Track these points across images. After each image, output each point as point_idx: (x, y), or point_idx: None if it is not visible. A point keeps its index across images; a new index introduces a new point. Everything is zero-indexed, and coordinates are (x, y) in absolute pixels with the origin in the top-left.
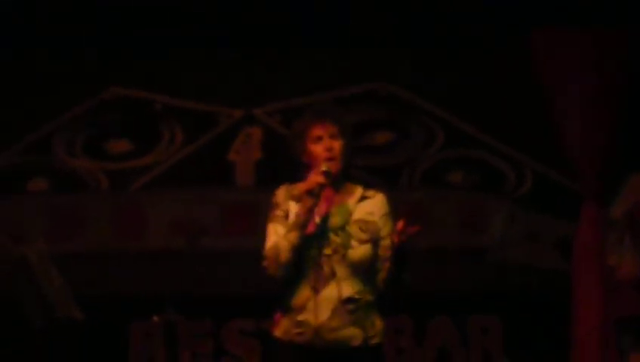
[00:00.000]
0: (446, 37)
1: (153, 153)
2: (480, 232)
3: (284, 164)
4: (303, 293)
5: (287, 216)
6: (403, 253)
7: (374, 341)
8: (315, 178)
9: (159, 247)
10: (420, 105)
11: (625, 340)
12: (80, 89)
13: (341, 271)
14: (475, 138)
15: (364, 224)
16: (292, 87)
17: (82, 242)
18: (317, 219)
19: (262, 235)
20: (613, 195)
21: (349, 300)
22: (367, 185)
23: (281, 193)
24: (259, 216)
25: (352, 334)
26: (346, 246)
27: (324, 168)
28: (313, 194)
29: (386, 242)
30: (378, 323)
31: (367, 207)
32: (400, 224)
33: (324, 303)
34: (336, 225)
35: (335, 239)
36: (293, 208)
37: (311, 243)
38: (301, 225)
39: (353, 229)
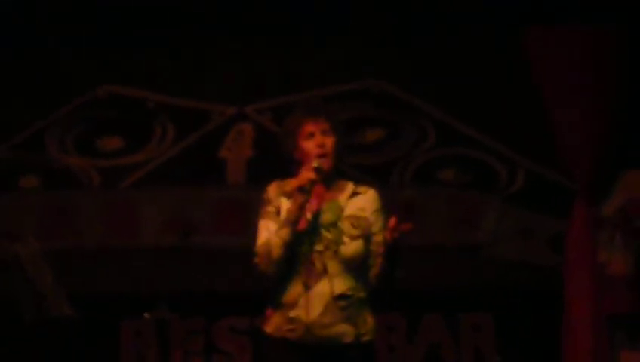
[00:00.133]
0: (438, 34)
1: (145, 150)
2: (472, 230)
3: (275, 162)
4: (295, 290)
5: (278, 213)
6: (395, 250)
7: (366, 338)
8: (306, 174)
9: (151, 245)
10: (412, 102)
11: (616, 337)
12: (72, 87)
13: (333, 267)
14: (466, 136)
15: (355, 220)
16: (284, 84)
17: (74, 239)
18: (308, 216)
19: (253, 233)
20: (604, 193)
21: (341, 296)
22: (358, 182)
23: (272, 189)
24: (250, 213)
25: (344, 331)
26: (338, 242)
27: (315, 164)
28: (304, 190)
29: (377, 238)
30: (370, 320)
31: (359, 202)
32: (392, 221)
33: (316, 299)
34: (327, 222)
35: (327, 235)
36: (285, 204)
37: (302, 240)
38: (293, 221)
39: (345, 225)
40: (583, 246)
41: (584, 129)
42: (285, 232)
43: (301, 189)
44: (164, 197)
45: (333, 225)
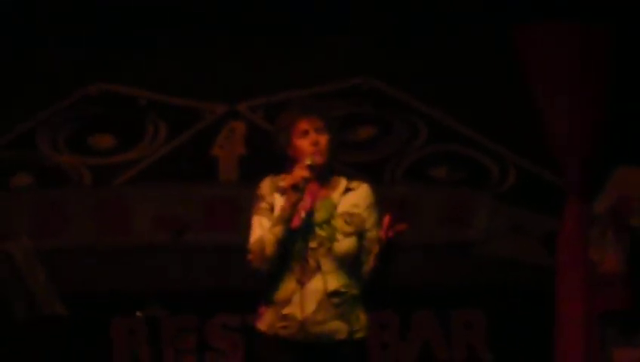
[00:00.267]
0: (429, 31)
1: (137, 148)
2: (464, 227)
3: (267, 160)
4: (288, 286)
5: (272, 209)
6: (389, 250)
7: (359, 335)
8: (300, 172)
9: (143, 242)
10: (403, 99)
11: (608, 334)
12: (64, 84)
13: (327, 264)
14: (458, 133)
15: (348, 216)
16: (276, 82)
17: (66, 237)
18: (302, 214)
19: (245, 230)
20: (596, 191)
21: (334, 293)
22: (351, 177)
23: (265, 185)
24: (242, 211)
25: (337, 328)
26: (332, 239)
27: (308, 162)
28: (298, 188)
29: (371, 234)
30: (362, 318)
31: (352, 198)
32: (386, 220)
33: (310, 296)
34: (321, 220)
35: (320, 233)
36: (279, 200)
37: (296, 237)
38: (286, 219)
39: (338, 223)
40: (575, 244)
41: (575, 126)
42: (279, 230)
43: (295, 187)
44: (156, 195)
45: (327, 222)
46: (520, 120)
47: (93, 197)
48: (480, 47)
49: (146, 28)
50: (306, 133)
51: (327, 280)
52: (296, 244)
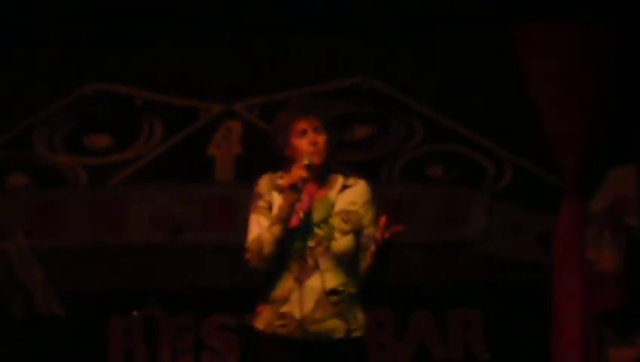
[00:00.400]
0: (429, 31)
1: (133, 148)
2: (461, 226)
3: (264, 159)
4: (286, 285)
5: (269, 207)
6: (386, 249)
7: (356, 334)
8: (297, 172)
9: (139, 242)
10: (400, 99)
11: (605, 333)
12: (60, 84)
13: (324, 263)
14: (454, 132)
15: (345, 214)
16: (272, 81)
17: (63, 237)
18: (300, 214)
19: (242, 230)
20: (593, 190)
21: (332, 292)
22: (348, 175)
23: (264, 183)
24: (239, 210)
25: (335, 326)
26: (329, 238)
27: (306, 162)
28: (296, 188)
29: (368, 230)
30: (360, 316)
31: (349, 196)
32: (382, 220)
33: (308, 294)
34: (319, 219)
35: (318, 232)
36: (277, 198)
37: (294, 236)
38: (284, 218)
39: (336, 221)
40: (572, 243)
41: (572, 126)
42: (277, 229)
43: (293, 187)
44: (152, 195)
45: (325, 221)
46: (518, 119)
47: (89, 197)
48: (479, 47)
49: (143, 28)
50: (304, 132)
51: (325, 279)
52: (294, 243)
